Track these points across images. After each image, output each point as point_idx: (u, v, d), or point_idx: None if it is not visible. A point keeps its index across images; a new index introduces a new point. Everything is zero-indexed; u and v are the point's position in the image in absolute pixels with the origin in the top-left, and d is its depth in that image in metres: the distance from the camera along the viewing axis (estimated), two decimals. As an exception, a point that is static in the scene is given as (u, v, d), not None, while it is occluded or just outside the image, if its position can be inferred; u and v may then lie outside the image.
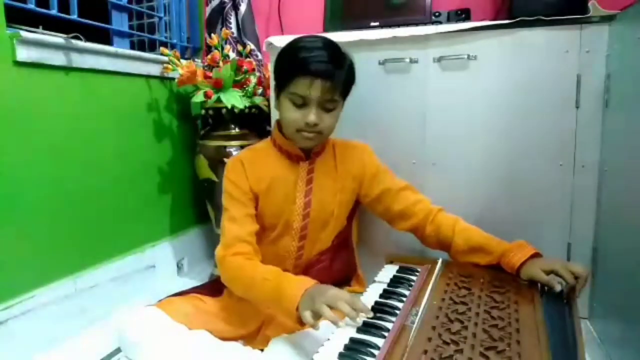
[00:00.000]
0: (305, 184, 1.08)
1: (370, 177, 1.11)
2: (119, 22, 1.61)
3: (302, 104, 0.98)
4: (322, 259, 1.12)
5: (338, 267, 1.15)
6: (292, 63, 0.97)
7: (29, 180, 1.16)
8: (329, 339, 0.74)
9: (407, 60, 1.27)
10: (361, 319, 0.78)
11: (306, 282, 0.88)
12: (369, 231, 1.35)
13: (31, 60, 1.14)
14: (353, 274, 1.22)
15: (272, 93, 1.09)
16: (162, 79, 1.62)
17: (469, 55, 1.22)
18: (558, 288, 0.84)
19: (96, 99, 1.35)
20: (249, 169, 1.08)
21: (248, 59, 1.61)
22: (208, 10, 1.75)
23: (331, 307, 0.79)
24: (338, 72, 0.96)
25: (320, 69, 0.94)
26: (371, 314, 0.79)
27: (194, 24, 1.96)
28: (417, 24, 1.33)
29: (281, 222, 1.08)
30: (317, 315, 0.80)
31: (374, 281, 0.95)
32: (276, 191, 1.07)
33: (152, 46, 1.85)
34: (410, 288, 0.89)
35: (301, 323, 0.85)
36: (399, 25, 1.34)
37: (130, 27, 1.73)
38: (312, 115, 0.97)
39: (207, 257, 1.85)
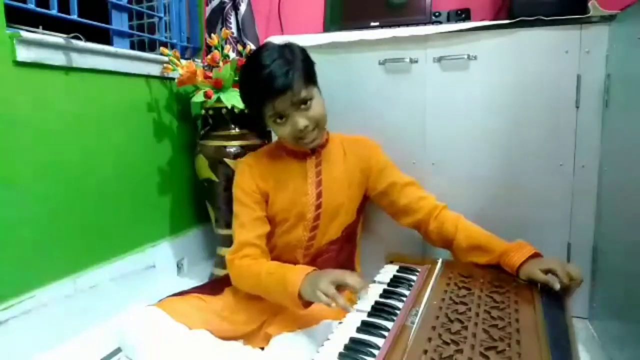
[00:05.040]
0: (315, 175, 1.11)
1: (378, 171, 1.14)
2: (119, 22, 1.61)
3: (282, 117, 1.01)
4: (331, 248, 1.15)
5: (343, 258, 1.18)
6: (252, 96, 1.02)
7: (28, 180, 1.15)
8: (329, 339, 0.74)
9: (407, 60, 1.27)
10: (366, 292, 0.86)
11: (307, 269, 0.95)
12: (370, 231, 1.35)
13: (31, 60, 1.14)
14: (353, 269, 1.22)
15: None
16: (162, 79, 1.62)
17: (469, 55, 1.22)
18: (557, 286, 0.83)
19: (96, 98, 1.35)
20: (256, 168, 1.12)
21: (248, 59, 1.61)
22: (208, 10, 1.75)
23: (337, 287, 0.85)
24: (292, 74, 0.96)
25: (275, 88, 0.95)
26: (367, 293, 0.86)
27: (194, 24, 1.96)
28: (417, 24, 1.33)
29: (293, 214, 1.10)
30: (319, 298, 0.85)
31: (374, 281, 0.95)
32: (286, 186, 1.11)
33: (152, 46, 1.85)
34: (410, 288, 0.89)
35: (305, 305, 0.91)
36: (399, 25, 1.35)
37: (130, 27, 1.73)
38: (299, 121, 1.00)
39: (207, 257, 1.85)
